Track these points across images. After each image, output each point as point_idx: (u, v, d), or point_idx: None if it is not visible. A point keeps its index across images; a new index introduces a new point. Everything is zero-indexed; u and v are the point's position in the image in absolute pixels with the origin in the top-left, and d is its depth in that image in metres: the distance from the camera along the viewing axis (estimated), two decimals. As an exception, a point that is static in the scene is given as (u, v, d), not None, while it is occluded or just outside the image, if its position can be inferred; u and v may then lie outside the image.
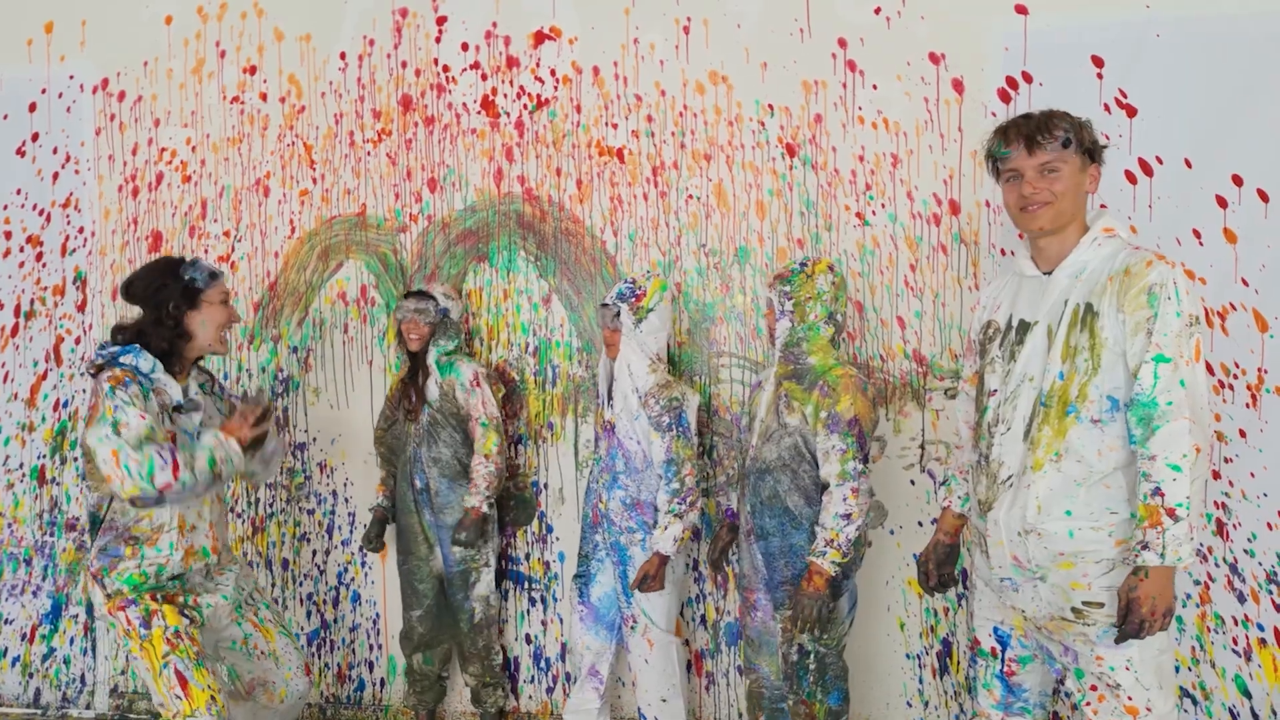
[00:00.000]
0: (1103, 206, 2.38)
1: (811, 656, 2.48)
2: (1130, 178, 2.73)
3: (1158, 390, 1.83)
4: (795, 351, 2.51)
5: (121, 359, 2.27)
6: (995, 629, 2.14)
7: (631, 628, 2.77)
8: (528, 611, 3.20)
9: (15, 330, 3.42)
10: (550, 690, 3.19)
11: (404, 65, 3.22)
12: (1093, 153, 2.02)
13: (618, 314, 2.76)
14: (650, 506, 2.76)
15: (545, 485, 3.18)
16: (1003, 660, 2.14)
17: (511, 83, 3.16)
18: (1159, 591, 1.82)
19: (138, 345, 2.30)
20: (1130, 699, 1.91)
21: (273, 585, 3.31)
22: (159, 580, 2.34)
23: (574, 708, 2.87)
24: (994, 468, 2.03)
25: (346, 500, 3.28)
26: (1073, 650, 1.99)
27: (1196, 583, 2.75)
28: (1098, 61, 2.75)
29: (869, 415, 2.45)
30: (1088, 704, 1.97)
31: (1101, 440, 1.91)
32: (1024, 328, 2.03)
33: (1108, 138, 2.26)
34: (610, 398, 2.81)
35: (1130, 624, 1.83)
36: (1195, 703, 2.76)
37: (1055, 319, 1.97)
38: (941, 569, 2.34)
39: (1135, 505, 1.89)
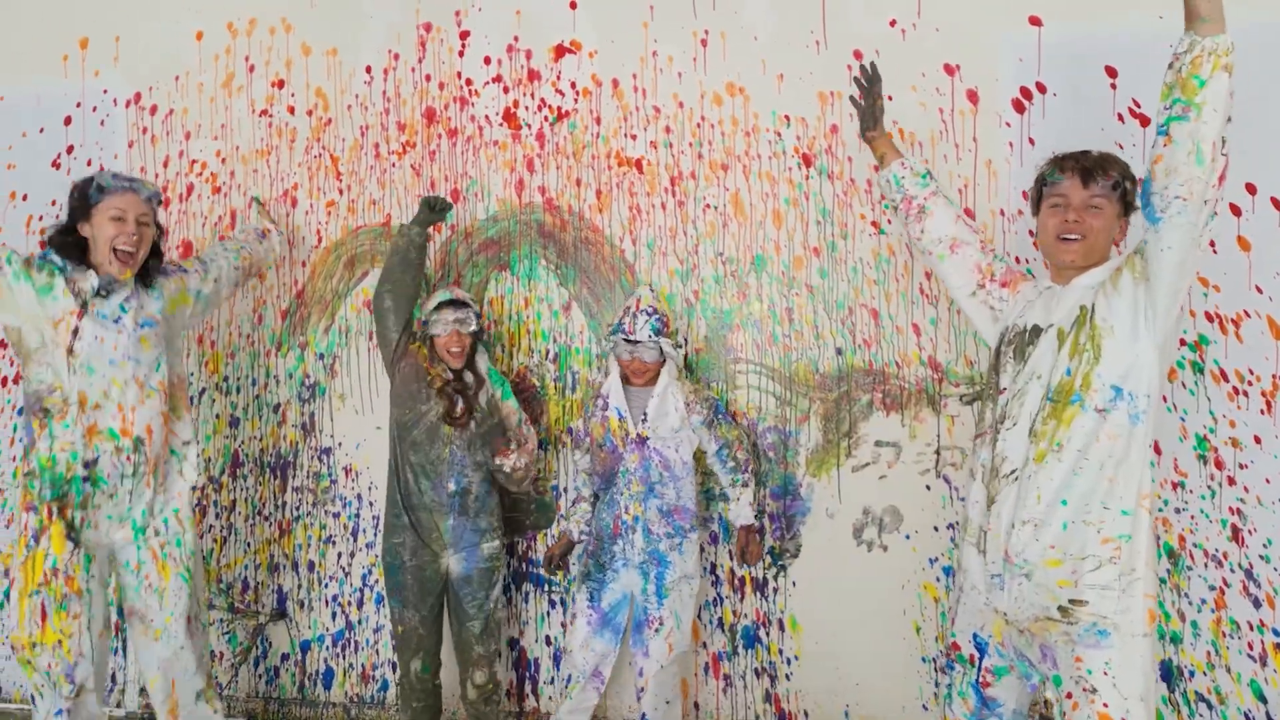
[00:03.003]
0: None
1: None
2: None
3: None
4: None
5: (45, 257, 2.49)
6: (974, 635, 2.16)
7: (656, 630, 2.82)
8: (548, 614, 3.25)
9: (50, 337, 3.51)
10: (570, 692, 3.24)
11: (428, 79, 3.29)
12: (1128, 207, 2.13)
13: (660, 351, 2.86)
14: (686, 511, 2.85)
15: (564, 489, 3.23)
16: (979, 669, 2.16)
17: (533, 95, 3.23)
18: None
19: (55, 251, 2.51)
20: (1106, 705, 1.90)
21: (299, 586, 3.39)
22: (68, 470, 2.43)
23: (574, 707, 2.92)
24: (997, 462, 2.08)
25: (371, 504, 3.34)
26: (1052, 655, 2.00)
27: (1211, 588, 2.77)
28: (1111, 71, 2.79)
29: None
30: (1064, 714, 1.96)
31: (1101, 428, 1.96)
32: (1037, 331, 2.09)
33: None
34: (644, 416, 2.86)
35: None
36: (1210, 707, 2.77)
37: (1068, 324, 2.03)
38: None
39: (1127, 503, 1.95)
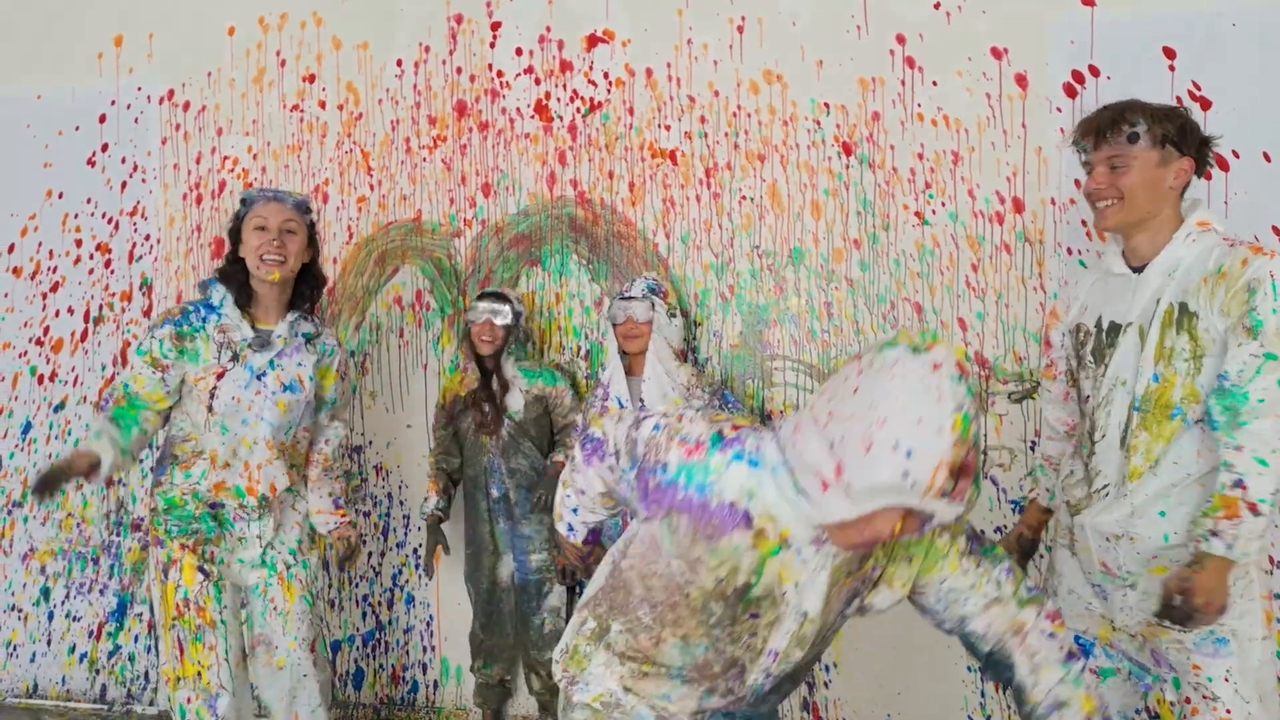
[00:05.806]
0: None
1: None
2: (1205, 173, 2.62)
3: (1253, 383, 1.75)
4: None
5: (208, 286, 2.48)
6: (1077, 637, 2.06)
7: None
8: (580, 616, 3.19)
9: (85, 335, 3.52)
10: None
11: (459, 71, 3.24)
12: (1180, 145, 1.92)
13: (651, 306, 2.81)
14: None
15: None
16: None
17: (565, 87, 3.16)
18: (1216, 585, 1.75)
19: (218, 280, 2.48)
20: (1229, 711, 1.82)
21: (329, 586, 3.35)
22: (196, 507, 2.41)
23: None
24: (1091, 475, 1.97)
25: (401, 503, 3.30)
26: (1166, 660, 1.91)
27: None
28: (1169, 53, 2.66)
29: None
30: (1183, 717, 1.89)
31: (1203, 441, 1.84)
32: (1115, 330, 1.94)
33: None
34: (641, 405, 2.79)
35: (1179, 612, 1.76)
36: (1279, 723, 2.63)
37: (1147, 320, 1.89)
38: (1019, 563, 2.26)
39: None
